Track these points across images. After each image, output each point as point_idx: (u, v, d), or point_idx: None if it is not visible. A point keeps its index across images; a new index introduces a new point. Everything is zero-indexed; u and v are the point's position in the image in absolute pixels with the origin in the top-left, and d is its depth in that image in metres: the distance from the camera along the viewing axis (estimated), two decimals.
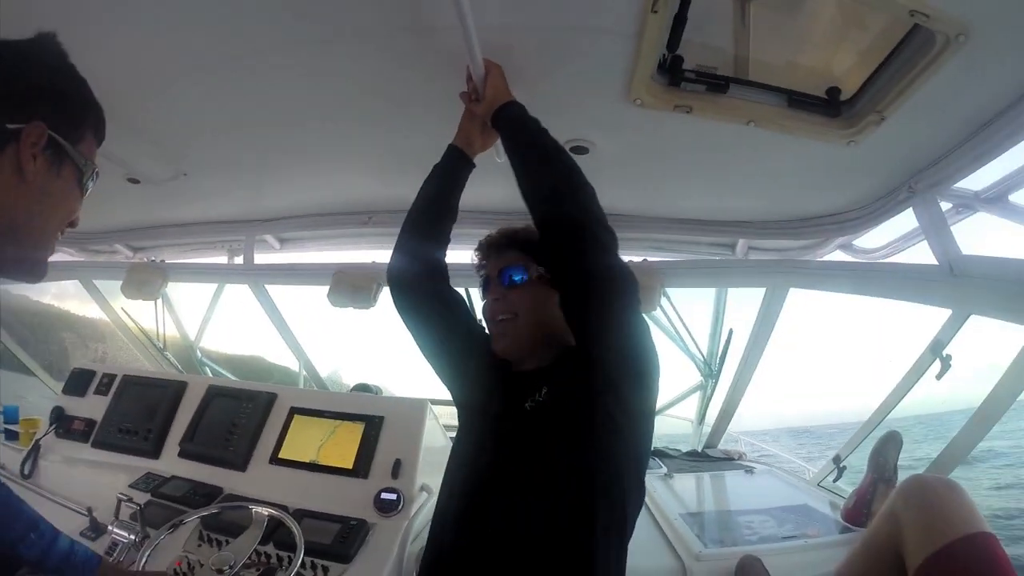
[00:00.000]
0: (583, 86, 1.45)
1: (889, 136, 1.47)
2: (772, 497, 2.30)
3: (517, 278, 1.31)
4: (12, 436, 2.62)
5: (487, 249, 1.42)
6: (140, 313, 3.41)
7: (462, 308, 1.46)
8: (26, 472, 2.18)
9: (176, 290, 3.27)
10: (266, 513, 1.51)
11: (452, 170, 1.46)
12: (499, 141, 1.46)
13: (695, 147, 1.72)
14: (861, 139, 1.48)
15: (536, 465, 1.15)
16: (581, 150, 1.74)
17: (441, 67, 1.41)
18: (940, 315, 1.92)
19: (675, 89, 1.40)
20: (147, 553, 1.41)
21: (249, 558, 1.45)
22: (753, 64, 1.40)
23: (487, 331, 1.39)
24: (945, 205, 1.74)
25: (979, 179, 1.67)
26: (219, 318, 3.70)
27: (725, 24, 1.33)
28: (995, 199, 1.67)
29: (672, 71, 1.37)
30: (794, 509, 2.13)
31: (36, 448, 2.27)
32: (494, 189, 1.96)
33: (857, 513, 1.93)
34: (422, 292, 1.43)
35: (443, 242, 1.46)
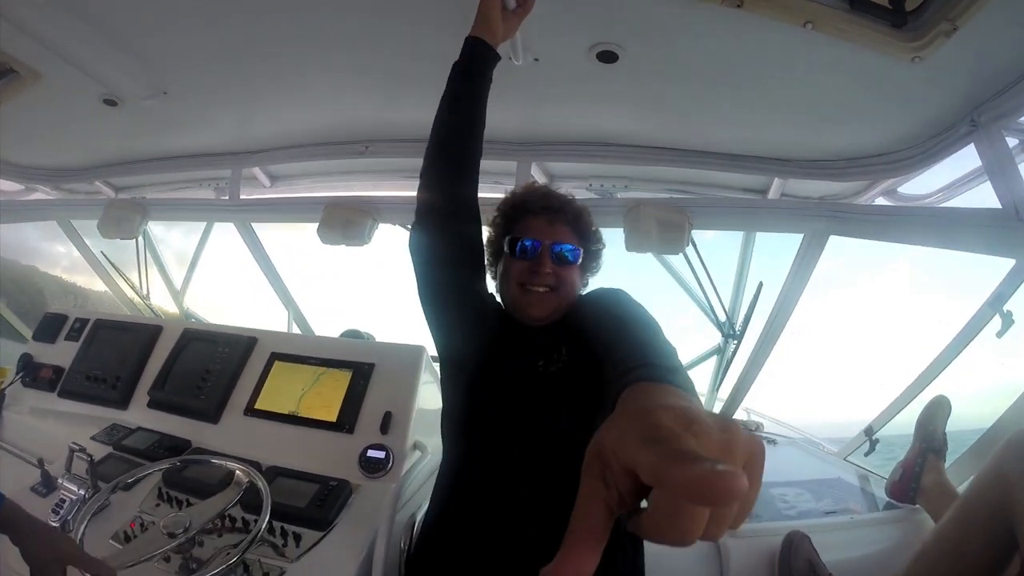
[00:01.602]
0: None
1: (956, 55, 1.28)
2: (801, 470, 2.11)
3: (572, 260, 1.30)
4: None
5: (542, 210, 1.33)
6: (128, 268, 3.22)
7: (482, 256, 1.35)
8: None
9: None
10: (234, 468, 1.31)
11: (476, 66, 1.25)
12: (520, 36, 1.36)
13: (735, 59, 1.48)
14: (928, 54, 1.26)
15: (571, 426, 1.13)
16: (610, 56, 1.50)
17: None
18: (996, 268, 1.69)
19: None
20: (89, 513, 1.22)
21: (212, 522, 1.26)
22: None
23: (507, 286, 1.33)
24: (1011, 141, 1.56)
25: None
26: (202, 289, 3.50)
27: None
28: None
29: None
30: (829, 483, 1.95)
31: (0, 398, 2.12)
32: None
33: (904, 487, 1.72)
34: (452, 234, 1.25)
35: (475, 164, 1.27)
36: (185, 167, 2.61)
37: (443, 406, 1.33)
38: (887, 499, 1.79)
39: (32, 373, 2.19)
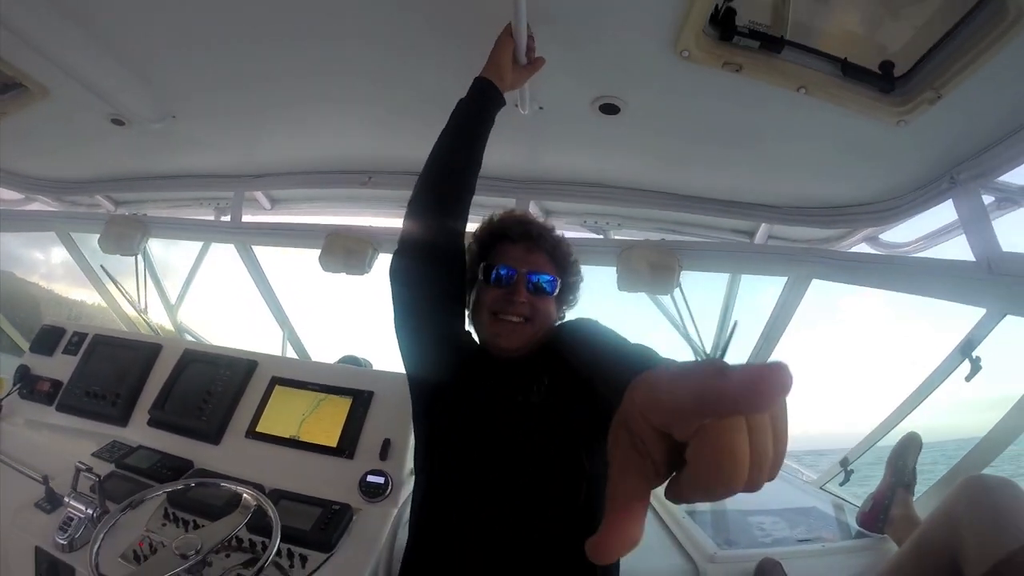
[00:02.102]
0: (627, 34, 1.31)
1: (939, 119, 1.39)
2: (777, 498, 2.19)
3: (548, 289, 1.29)
4: None
5: (519, 237, 1.32)
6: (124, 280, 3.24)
7: (462, 290, 1.33)
8: None
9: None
10: (242, 492, 1.36)
11: (481, 107, 1.29)
12: (528, 86, 1.43)
13: (731, 116, 1.58)
14: (913, 118, 1.37)
15: (553, 460, 1.13)
16: (612, 108, 1.60)
17: (452, 18, 1.32)
18: (968, 316, 1.82)
19: (726, 44, 1.26)
20: (103, 532, 1.26)
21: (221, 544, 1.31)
22: (801, 28, 1.28)
23: (478, 314, 1.32)
24: (987, 198, 1.65)
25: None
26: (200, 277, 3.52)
27: None
28: None
29: (724, 24, 1.23)
30: (804, 511, 2.03)
31: None
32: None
33: (873, 518, 1.82)
34: (434, 265, 1.25)
35: (466, 202, 1.28)
36: (188, 187, 2.66)
37: (416, 436, 1.33)
38: (858, 528, 1.88)
39: (29, 385, 2.21)
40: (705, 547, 1.69)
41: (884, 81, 1.34)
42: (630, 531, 0.41)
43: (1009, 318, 1.71)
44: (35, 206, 2.98)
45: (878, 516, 1.82)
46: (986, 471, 1.75)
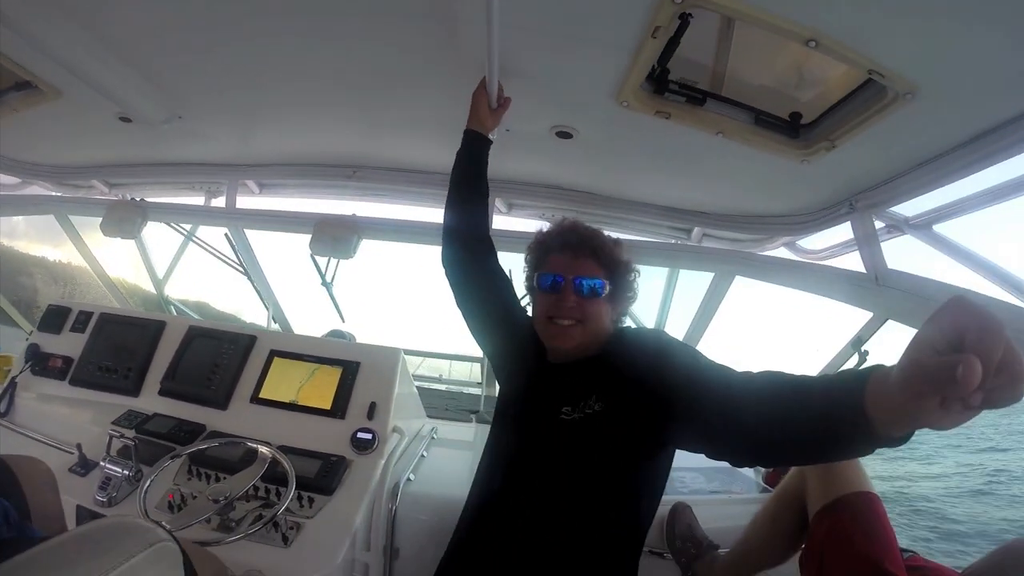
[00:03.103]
0: (579, 83, 1.61)
1: (837, 160, 1.68)
2: (703, 459, 2.57)
3: (595, 292, 1.32)
4: None
5: (563, 247, 1.38)
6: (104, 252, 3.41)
7: (506, 282, 1.64)
8: (2, 410, 2.21)
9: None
10: (268, 453, 1.64)
11: (476, 153, 1.68)
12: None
13: (667, 145, 1.88)
14: (813, 159, 1.69)
15: (590, 477, 1.23)
16: (566, 135, 1.91)
17: (438, 50, 1.55)
18: (862, 315, 2.18)
19: (659, 97, 1.57)
20: (147, 483, 1.54)
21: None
22: (729, 81, 1.57)
23: (537, 320, 1.39)
24: (878, 224, 1.99)
25: (912, 207, 1.91)
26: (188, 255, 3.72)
27: (710, 43, 1.48)
28: (922, 226, 1.92)
29: (659, 81, 1.53)
30: (722, 470, 2.40)
31: (12, 386, 2.28)
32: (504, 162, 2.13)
33: (775, 476, 2.23)
34: (473, 253, 1.63)
35: (483, 212, 1.70)
36: (184, 174, 2.85)
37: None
38: (763, 484, 2.29)
39: (41, 363, 2.36)
40: None
41: (791, 129, 1.65)
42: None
43: (890, 323, 2.09)
44: (32, 189, 3.11)
45: (779, 476, 2.21)
46: None
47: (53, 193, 3.09)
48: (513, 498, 1.30)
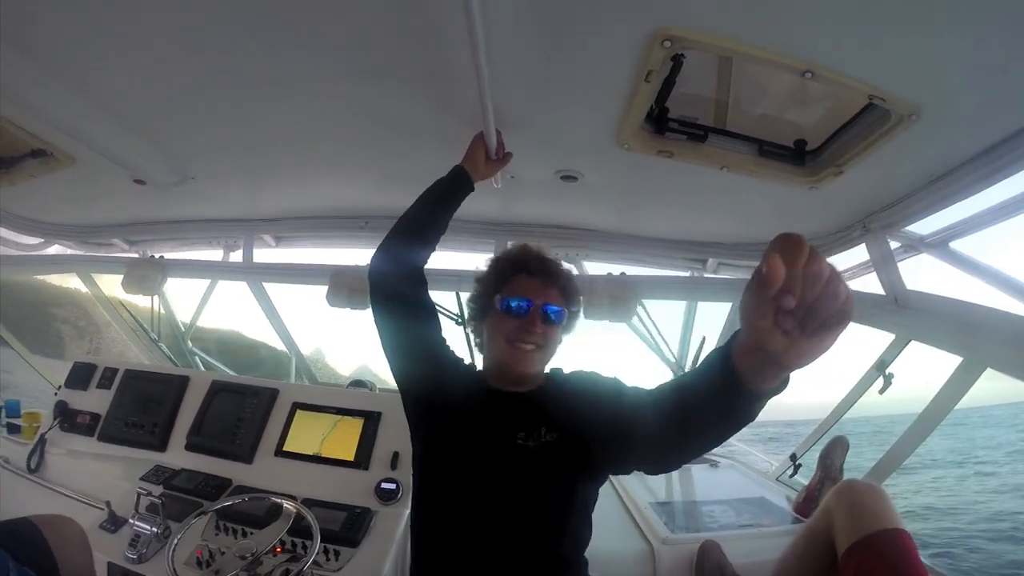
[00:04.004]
0: (578, 129, 1.63)
1: (847, 184, 1.65)
2: (733, 490, 2.54)
3: (557, 320, 1.39)
4: (14, 430, 2.68)
5: (534, 272, 1.42)
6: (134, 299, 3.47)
7: (435, 317, 1.53)
8: (33, 466, 2.27)
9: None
10: (293, 509, 1.64)
11: (456, 190, 1.60)
12: (500, 171, 1.73)
13: (673, 181, 1.89)
14: (821, 186, 1.67)
15: (548, 504, 1.26)
16: (571, 178, 1.93)
17: (439, 106, 1.58)
18: (881, 336, 2.16)
19: (659, 136, 1.58)
20: (175, 541, 1.54)
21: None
22: (731, 114, 1.58)
23: (494, 342, 1.42)
24: (894, 244, 1.96)
25: (927, 225, 1.89)
26: (209, 306, 3.79)
27: (709, 78, 1.49)
28: (938, 244, 1.88)
29: (658, 120, 1.55)
30: (752, 501, 2.38)
31: (42, 442, 2.34)
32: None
33: (806, 506, 2.18)
34: (402, 292, 1.49)
35: (429, 251, 1.58)
36: (202, 230, 2.92)
37: (413, 443, 1.47)
38: (794, 514, 2.23)
39: (70, 419, 2.44)
40: (660, 531, 2.02)
41: (796, 157, 1.65)
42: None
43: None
44: (54, 248, 3.20)
45: (810, 505, 2.18)
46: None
47: (75, 252, 3.17)
48: (478, 522, 1.27)
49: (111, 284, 3.35)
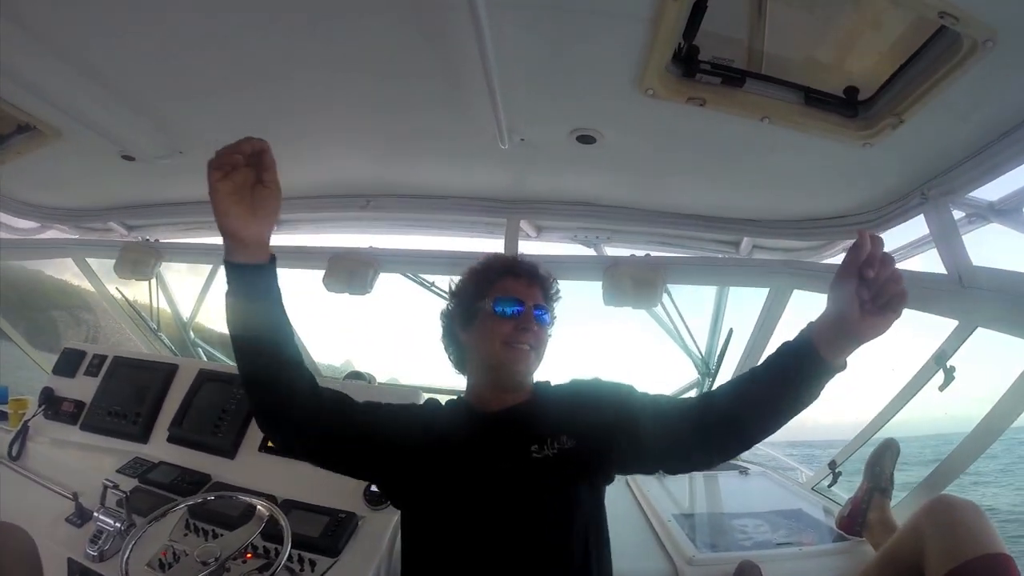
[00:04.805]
0: (594, 74, 1.41)
1: (905, 140, 1.43)
2: (766, 501, 2.28)
3: (547, 321, 1.36)
4: (1, 416, 2.61)
5: (519, 274, 1.37)
6: (135, 291, 3.37)
7: (348, 407, 1.28)
8: (14, 454, 2.19)
9: (170, 268, 3.20)
10: (265, 511, 1.46)
11: (242, 289, 1.07)
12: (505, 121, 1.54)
13: (704, 142, 1.68)
14: (877, 141, 1.44)
15: (566, 510, 1.20)
16: (588, 139, 1.70)
17: (447, 50, 1.38)
18: (945, 326, 1.88)
19: (689, 80, 1.36)
20: (132, 544, 1.37)
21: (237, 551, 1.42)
22: (769, 58, 1.36)
23: (488, 346, 1.30)
24: (957, 214, 1.70)
25: (994, 189, 1.65)
26: (213, 294, 3.64)
27: (742, 15, 1.28)
28: (1010, 211, 1.63)
29: (687, 62, 1.33)
30: (788, 514, 2.12)
31: (24, 430, 2.27)
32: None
33: (852, 522, 1.90)
34: (321, 432, 1.22)
35: (292, 363, 1.14)
36: (198, 212, 2.76)
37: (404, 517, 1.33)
38: (837, 531, 1.95)
39: (54, 407, 2.35)
40: (685, 550, 1.78)
41: (848, 107, 1.42)
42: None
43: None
44: (50, 233, 3.11)
45: (856, 520, 1.90)
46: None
47: (70, 236, 3.07)
48: (500, 542, 1.18)
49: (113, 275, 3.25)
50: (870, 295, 0.92)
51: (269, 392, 1.15)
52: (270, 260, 1.10)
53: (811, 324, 1.02)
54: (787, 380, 1.03)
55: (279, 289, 1.12)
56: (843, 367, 1.01)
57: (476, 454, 1.24)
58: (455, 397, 1.44)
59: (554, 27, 1.26)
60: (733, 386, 1.15)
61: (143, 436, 2.15)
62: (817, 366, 0.99)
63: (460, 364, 1.42)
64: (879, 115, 1.39)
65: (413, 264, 2.58)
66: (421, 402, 1.59)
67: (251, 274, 1.07)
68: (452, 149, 1.95)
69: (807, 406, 1.05)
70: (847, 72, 1.38)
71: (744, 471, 2.67)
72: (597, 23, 1.22)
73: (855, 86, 1.39)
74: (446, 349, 1.45)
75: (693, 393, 3.27)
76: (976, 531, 1.21)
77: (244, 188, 1.01)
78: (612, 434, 1.21)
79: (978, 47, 1.12)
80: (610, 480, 1.30)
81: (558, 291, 1.44)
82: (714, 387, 2.92)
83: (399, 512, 1.67)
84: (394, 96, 1.64)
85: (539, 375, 1.39)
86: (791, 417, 1.07)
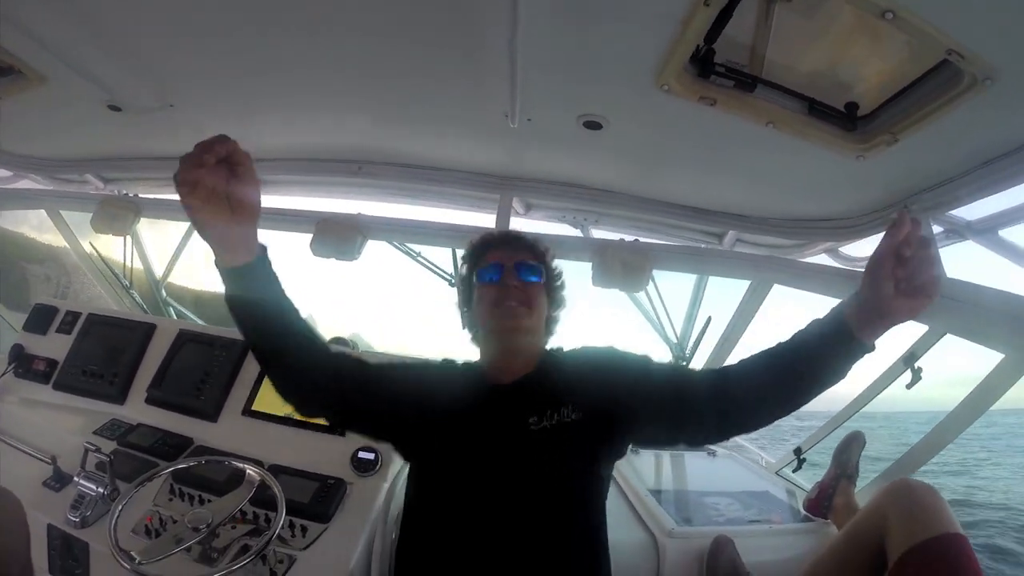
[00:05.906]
0: (615, 63, 1.41)
1: (896, 156, 1.49)
2: (735, 481, 2.39)
3: (535, 278, 1.36)
4: None
5: (500, 243, 1.42)
6: (107, 246, 3.25)
7: (355, 365, 1.34)
8: None
9: (145, 224, 3.09)
10: (257, 476, 1.46)
11: (240, 288, 1.10)
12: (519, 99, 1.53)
13: (705, 138, 1.70)
14: (871, 155, 1.50)
15: (562, 482, 1.21)
16: (595, 126, 1.71)
17: (474, 20, 1.34)
18: (915, 327, 1.98)
19: (703, 81, 1.38)
20: (120, 507, 1.35)
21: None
22: (776, 67, 1.39)
23: (484, 315, 1.35)
24: (936, 229, 1.79)
25: (974, 210, 1.74)
26: (188, 252, 3.53)
27: (749, 23, 1.30)
28: (986, 231, 1.72)
29: (704, 63, 1.34)
30: (756, 495, 2.23)
31: None
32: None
33: (818, 504, 2.02)
34: (336, 394, 1.29)
35: (301, 334, 1.19)
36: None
37: (411, 470, 1.36)
38: (804, 512, 2.08)
39: (25, 364, 2.26)
40: (665, 523, 1.85)
41: (847, 120, 1.47)
42: None
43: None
44: (24, 183, 2.96)
45: (822, 503, 2.02)
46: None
47: (45, 187, 2.93)
48: (495, 511, 1.19)
49: (85, 228, 3.11)
50: (905, 274, 0.95)
51: (288, 368, 1.22)
52: (262, 252, 1.09)
53: (843, 303, 1.05)
54: (818, 356, 1.06)
55: (276, 275, 1.12)
56: (872, 348, 1.03)
57: (477, 425, 1.27)
58: (471, 361, 1.46)
59: (585, 14, 1.25)
60: (758, 360, 1.14)
61: (120, 397, 2.10)
62: (849, 342, 1.01)
63: (477, 340, 1.45)
64: (875, 131, 1.45)
65: (402, 233, 2.54)
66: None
67: (245, 274, 1.07)
68: (455, 120, 1.92)
69: (834, 384, 1.08)
70: (849, 88, 1.42)
71: (712, 452, 2.76)
72: (630, 16, 1.22)
73: (856, 102, 1.44)
74: (469, 331, 1.48)
75: None
76: (934, 512, 1.28)
77: (217, 194, 0.97)
78: (625, 404, 1.23)
79: (977, 83, 1.17)
80: (621, 453, 1.31)
81: (548, 249, 1.47)
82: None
83: (388, 480, 1.72)
84: (404, 59, 1.57)
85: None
86: (817, 394, 1.09)
